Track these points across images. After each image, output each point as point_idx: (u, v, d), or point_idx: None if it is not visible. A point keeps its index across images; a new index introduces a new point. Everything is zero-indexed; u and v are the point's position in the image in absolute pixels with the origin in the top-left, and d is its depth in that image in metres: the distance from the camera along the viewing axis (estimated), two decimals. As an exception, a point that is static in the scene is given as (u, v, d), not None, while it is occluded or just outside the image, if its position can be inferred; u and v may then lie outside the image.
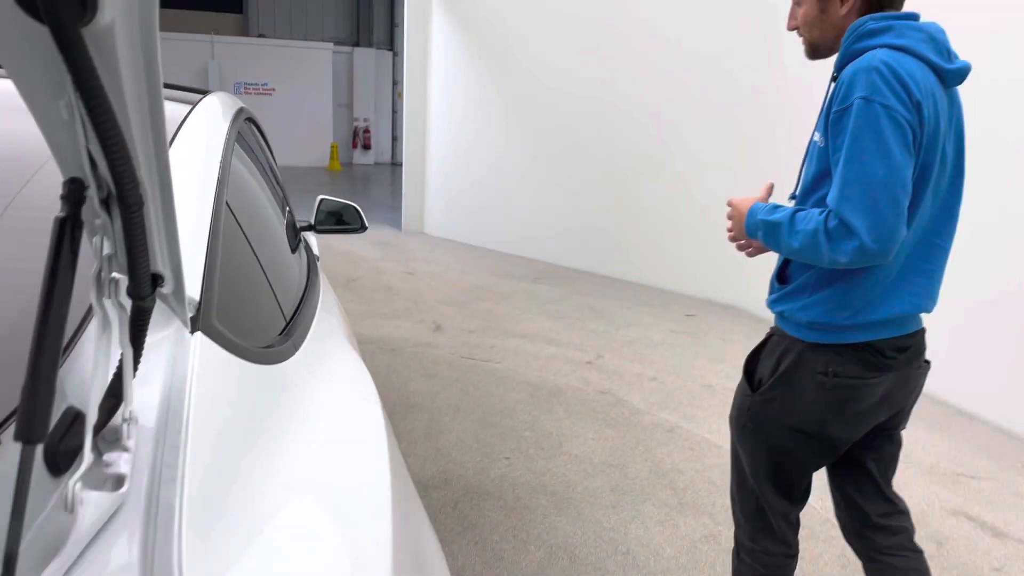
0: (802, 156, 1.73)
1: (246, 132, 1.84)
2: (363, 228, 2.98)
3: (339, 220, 2.98)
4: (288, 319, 1.37)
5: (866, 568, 1.89)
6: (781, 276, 1.72)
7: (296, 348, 1.25)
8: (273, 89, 18.07)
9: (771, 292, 1.75)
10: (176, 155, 1.20)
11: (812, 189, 1.65)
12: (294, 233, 2.26)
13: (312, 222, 2.95)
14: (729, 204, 1.76)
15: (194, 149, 1.27)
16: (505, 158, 8.22)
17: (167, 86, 1.85)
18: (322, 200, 2.94)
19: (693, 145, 6.45)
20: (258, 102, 17.79)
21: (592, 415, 3.83)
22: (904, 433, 1.85)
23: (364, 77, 19.56)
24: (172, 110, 1.50)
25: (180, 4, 18.54)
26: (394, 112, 19.99)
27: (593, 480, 3.16)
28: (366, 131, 19.57)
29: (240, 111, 1.84)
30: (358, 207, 2.97)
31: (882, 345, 1.63)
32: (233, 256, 1.20)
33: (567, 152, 7.53)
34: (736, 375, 4.33)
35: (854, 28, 1.58)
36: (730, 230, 1.76)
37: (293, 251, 2.15)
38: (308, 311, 1.62)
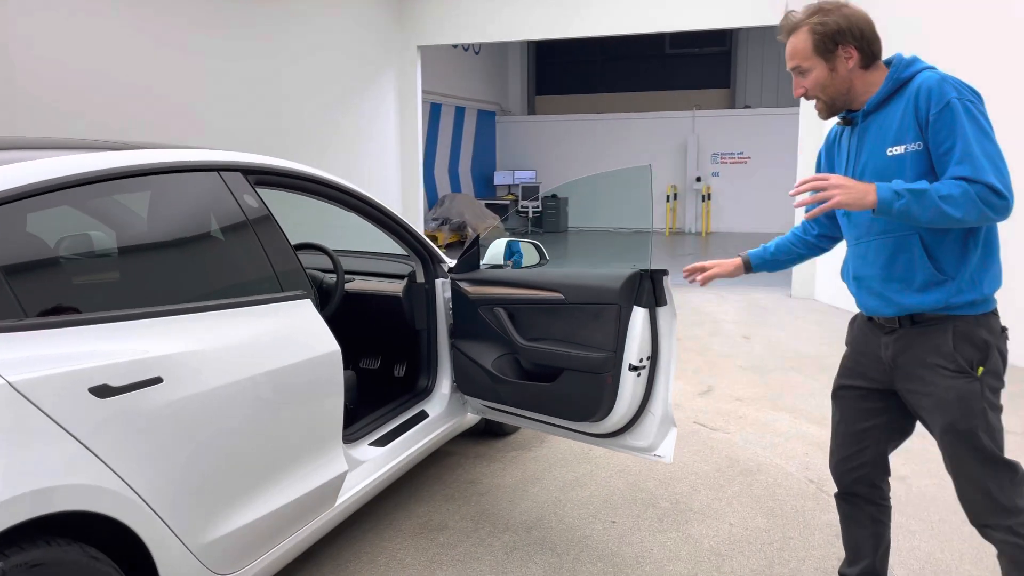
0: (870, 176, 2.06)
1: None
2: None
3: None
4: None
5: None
6: (940, 271, 2.00)
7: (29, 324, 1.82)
8: (748, 157, 18.46)
9: (925, 290, 2.02)
10: None
11: None
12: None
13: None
14: (838, 183, 1.91)
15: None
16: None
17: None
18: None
19: None
20: (732, 170, 18.43)
21: (757, 501, 3.44)
22: None
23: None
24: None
25: (670, 86, 20.35)
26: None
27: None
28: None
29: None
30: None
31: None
32: None
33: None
34: None
35: (898, 64, 2.04)
36: (836, 192, 1.90)
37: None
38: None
